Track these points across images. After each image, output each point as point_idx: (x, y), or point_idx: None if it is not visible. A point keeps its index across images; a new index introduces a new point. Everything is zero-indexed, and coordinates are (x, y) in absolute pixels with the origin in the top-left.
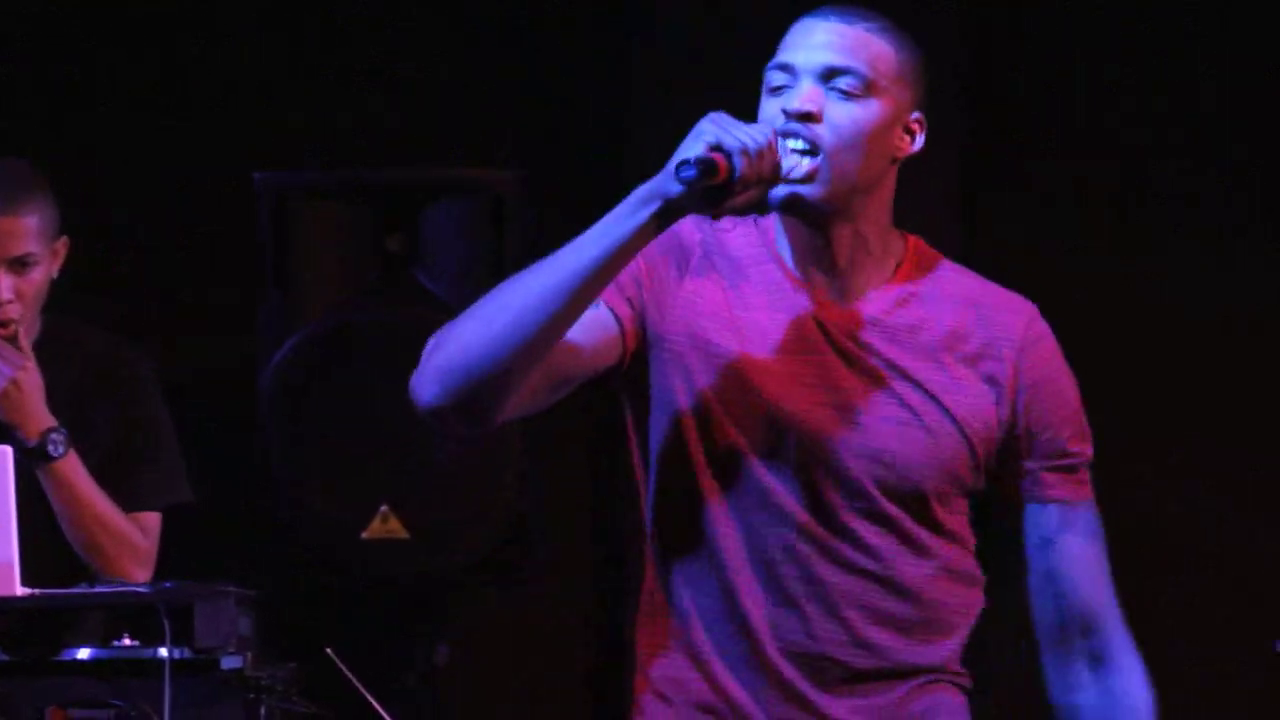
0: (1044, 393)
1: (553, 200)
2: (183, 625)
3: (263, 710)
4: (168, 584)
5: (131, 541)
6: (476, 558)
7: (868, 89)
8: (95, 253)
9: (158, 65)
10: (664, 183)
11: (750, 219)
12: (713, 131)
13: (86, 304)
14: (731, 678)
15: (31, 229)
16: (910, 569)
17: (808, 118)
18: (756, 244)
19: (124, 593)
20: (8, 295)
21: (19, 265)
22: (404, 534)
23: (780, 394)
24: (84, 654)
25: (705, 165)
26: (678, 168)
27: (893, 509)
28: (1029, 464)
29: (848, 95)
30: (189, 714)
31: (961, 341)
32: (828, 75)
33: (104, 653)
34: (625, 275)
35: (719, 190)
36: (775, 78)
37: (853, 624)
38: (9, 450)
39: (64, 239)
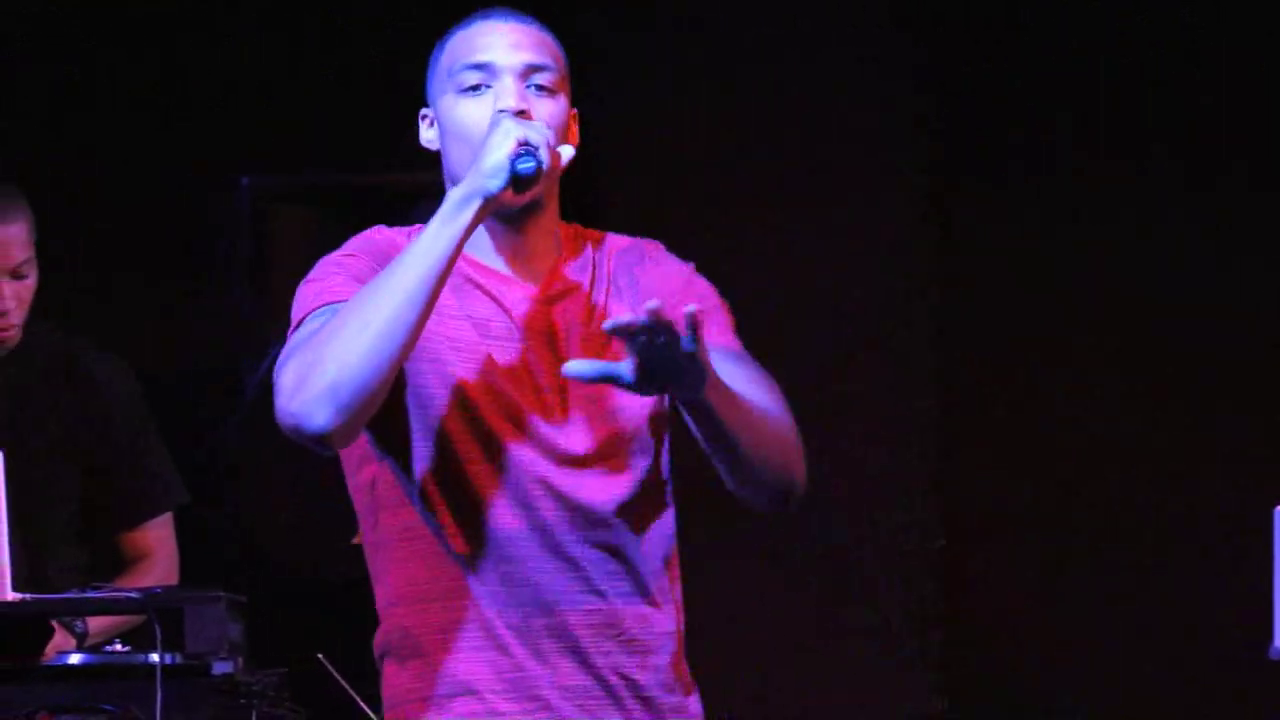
0: (671, 284)
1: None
2: (173, 630)
3: (254, 715)
4: (158, 589)
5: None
6: None
7: (558, 84)
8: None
9: (156, 65)
10: (482, 181)
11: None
12: (517, 130)
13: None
14: (530, 654)
15: (23, 236)
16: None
17: (522, 115)
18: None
19: (115, 598)
20: (10, 304)
21: (16, 274)
22: None
23: (519, 382)
24: (75, 659)
25: (537, 159)
26: (517, 161)
27: (629, 457)
28: None
29: (545, 90)
30: (177, 717)
31: (627, 286)
32: (527, 73)
33: (95, 658)
34: (362, 273)
35: (531, 182)
36: (469, 77)
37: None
38: None
39: None
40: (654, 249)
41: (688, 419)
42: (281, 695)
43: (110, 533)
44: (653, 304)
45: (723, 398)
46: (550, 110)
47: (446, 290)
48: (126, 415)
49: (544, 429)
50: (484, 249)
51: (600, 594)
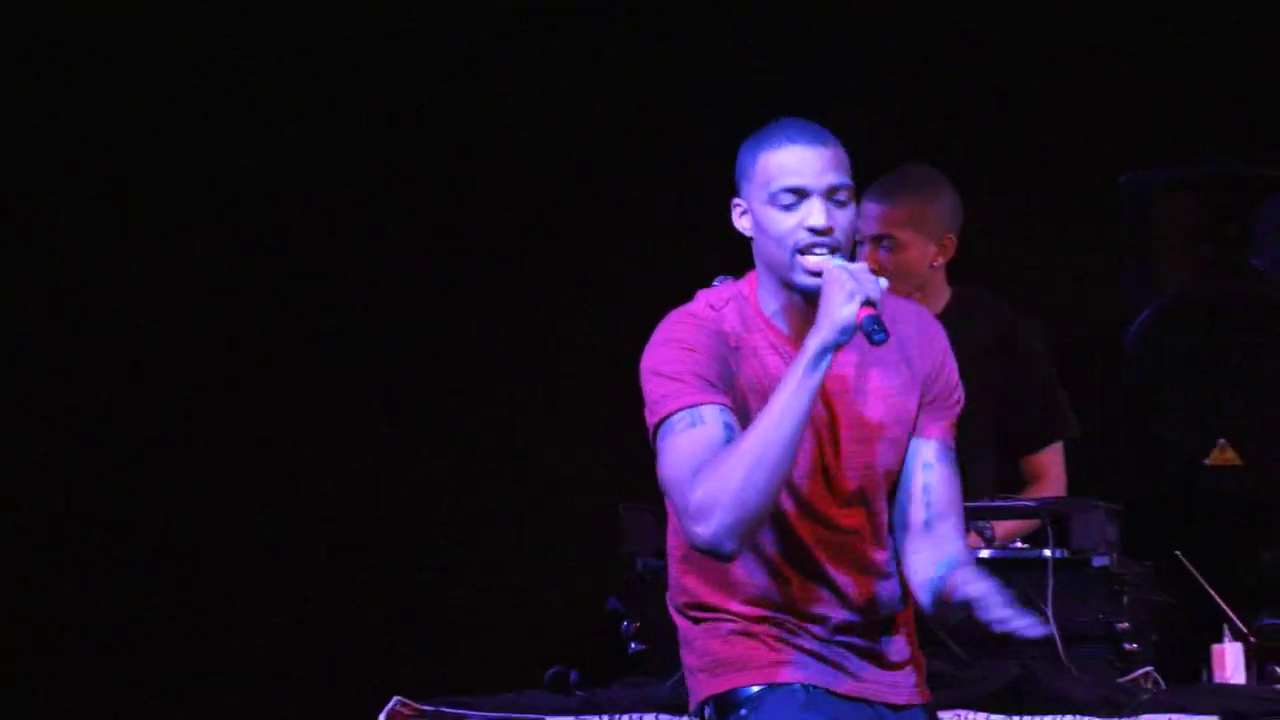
0: (940, 371)
1: None
2: (1062, 531)
3: (1125, 598)
4: (1050, 499)
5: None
6: None
7: (850, 196)
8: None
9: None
10: (835, 336)
11: (734, 295)
12: (857, 288)
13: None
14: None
15: (900, 218)
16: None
17: (828, 231)
18: (751, 316)
19: (1016, 505)
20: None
21: (882, 242)
22: (1238, 462)
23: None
24: (984, 553)
25: (885, 332)
26: (873, 333)
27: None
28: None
29: (841, 204)
30: (1066, 602)
31: (890, 348)
32: (830, 192)
33: (1001, 553)
34: (710, 373)
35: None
36: (785, 198)
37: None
38: None
39: (950, 238)
40: (928, 322)
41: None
42: (1149, 585)
43: (1013, 455)
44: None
45: None
46: (846, 217)
47: (759, 348)
48: (1039, 356)
49: (843, 459)
50: (781, 318)
51: None
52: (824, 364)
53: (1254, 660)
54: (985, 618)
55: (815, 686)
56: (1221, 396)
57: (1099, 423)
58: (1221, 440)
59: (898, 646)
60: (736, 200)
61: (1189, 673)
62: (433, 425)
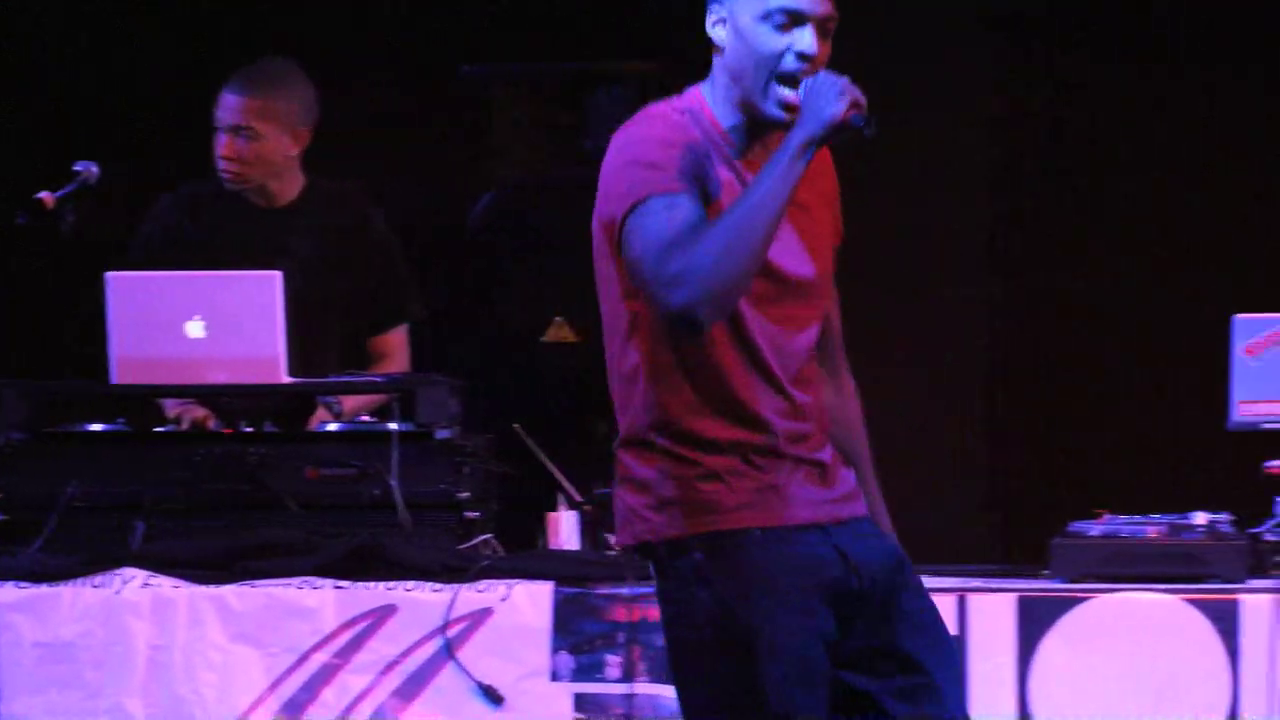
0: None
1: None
2: (408, 406)
3: (466, 469)
4: (397, 375)
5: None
6: None
7: (833, 29)
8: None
9: None
10: (822, 131)
11: (687, 108)
12: (850, 91)
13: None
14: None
15: (254, 107)
16: None
17: (814, 60)
18: (708, 127)
19: (363, 382)
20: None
21: (241, 132)
22: (574, 338)
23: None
24: (333, 427)
25: (875, 126)
26: (864, 126)
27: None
28: None
29: (827, 36)
30: (411, 473)
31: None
32: (823, 21)
33: (348, 426)
34: (686, 168)
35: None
36: (780, 18)
37: None
38: (279, 275)
39: (305, 130)
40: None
41: None
42: (490, 456)
43: (362, 335)
44: None
45: None
46: (827, 51)
47: (714, 166)
48: (387, 241)
49: (796, 264)
50: (738, 134)
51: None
52: (807, 158)
53: (589, 527)
54: None
55: (770, 527)
56: (558, 276)
57: (444, 304)
58: (558, 318)
59: (837, 462)
60: (716, 5)
61: (527, 539)
62: None
